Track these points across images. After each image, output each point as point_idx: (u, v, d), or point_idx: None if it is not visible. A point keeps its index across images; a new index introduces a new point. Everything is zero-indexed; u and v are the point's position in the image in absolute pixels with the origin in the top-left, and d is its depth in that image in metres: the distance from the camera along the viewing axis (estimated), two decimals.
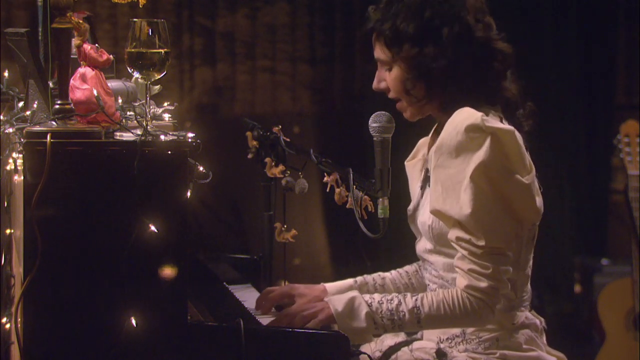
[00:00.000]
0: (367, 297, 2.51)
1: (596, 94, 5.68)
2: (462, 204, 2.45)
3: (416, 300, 2.49)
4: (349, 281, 2.83)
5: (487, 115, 2.51)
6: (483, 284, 2.46)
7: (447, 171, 2.49)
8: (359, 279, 2.84)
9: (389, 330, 2.51)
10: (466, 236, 2.46)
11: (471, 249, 2.46)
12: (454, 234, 2.49)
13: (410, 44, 2.56)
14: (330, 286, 2.80)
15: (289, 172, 2.78)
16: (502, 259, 2.48)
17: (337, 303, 2.49)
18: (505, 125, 2.51)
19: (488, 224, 2.45)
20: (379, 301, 2.49)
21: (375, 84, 2.69)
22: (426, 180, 2.67)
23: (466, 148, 2.47)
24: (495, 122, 2.51)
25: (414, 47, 2.56)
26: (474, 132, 2.46)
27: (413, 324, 2.49)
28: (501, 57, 2.60)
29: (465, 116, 2.49)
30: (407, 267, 2.88)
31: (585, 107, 5.63)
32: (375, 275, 2.85)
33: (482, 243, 2.45)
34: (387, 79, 2.65)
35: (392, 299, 2.50)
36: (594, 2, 5.56)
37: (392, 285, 2.84)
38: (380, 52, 2.64)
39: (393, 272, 2.87)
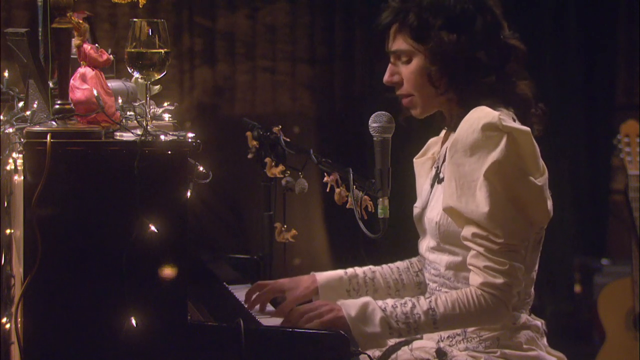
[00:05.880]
0: (380, 302, 2.49)
1: (596, 94, 5.68)
2: (478, 203, 2.45)
3: (430, 301, 2.48)
4: (339, 272, 2.83)
5: (502, 114, 2.51)
6: (499, 280, 2.46)
7: (461, 169, 2.49)
8: (349, 270, 2.84)
9: (404, 334, 2.49)
10: (483, 233, 2.46)
11: (488, 246, 2.45)
12: (469, 231, 2.48)
13: (445, 32, 2.54)
14: (319, 275, 2.81)
15: (289, 172, 2.78)
16: (517, 256, 2.48)
17: (350, 308, 2.47)
18: (522, 126, 2.51)
19: (504, 221, 2.45)
20: (392, 305, 2.48)
21: (387, 77, 2.66)
22: (436, 178, 2.67)
23: (482, 146, 2.46)
24: (511, 122, 2.51)
25: (449, 35, 2.54)
26: (491, 130, 2.46)
27: (429, 325, 2.48)
28: (517, 53, 2.60)
29: (482, 114, 2.49)
30: (399, 263, 2.88)
31: (585, 107, 5.63)
32: (365, 268, 2.85)
33: (500, 240, 2.45)
34: (403, 71, 2.62)
35: (405, 303, 2.48)
36: (594, 2, 5.57)
37: (381, 279, 2.84)
38: (401, 44, 2.61)
39: (384, 266, 2.87)
